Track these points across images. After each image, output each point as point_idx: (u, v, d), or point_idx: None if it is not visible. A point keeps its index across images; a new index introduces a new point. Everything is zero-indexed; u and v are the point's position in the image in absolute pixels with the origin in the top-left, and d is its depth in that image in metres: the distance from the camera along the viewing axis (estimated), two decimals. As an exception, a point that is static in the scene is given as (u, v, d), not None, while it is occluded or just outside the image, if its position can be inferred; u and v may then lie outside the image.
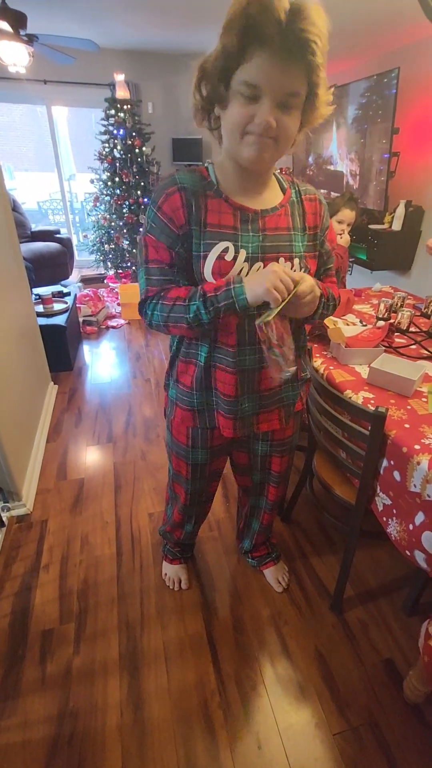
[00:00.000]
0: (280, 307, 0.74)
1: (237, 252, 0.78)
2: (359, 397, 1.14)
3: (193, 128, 5.22)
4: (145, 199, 4.19)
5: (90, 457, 2.05)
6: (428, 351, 1.37)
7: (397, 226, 3.00)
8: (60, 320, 2.73)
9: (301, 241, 0.85)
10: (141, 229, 0.82)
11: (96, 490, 1.84)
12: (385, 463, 1.03)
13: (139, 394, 2.61)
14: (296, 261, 0.84)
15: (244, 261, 0.79)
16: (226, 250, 0.78)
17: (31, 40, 2.71)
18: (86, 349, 3.21)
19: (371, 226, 3.13)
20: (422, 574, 1.24)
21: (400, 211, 2.95)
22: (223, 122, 0.74)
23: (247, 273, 0.80)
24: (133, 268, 4.57)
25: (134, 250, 4.36)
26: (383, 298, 1.63)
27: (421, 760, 1.01)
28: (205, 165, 0.82)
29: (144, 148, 4.08)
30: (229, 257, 0.78)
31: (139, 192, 4.16)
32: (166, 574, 1.44)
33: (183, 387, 0.96)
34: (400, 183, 3.14)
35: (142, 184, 4.15)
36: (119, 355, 3.13)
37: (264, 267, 0.80)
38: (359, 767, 1.00)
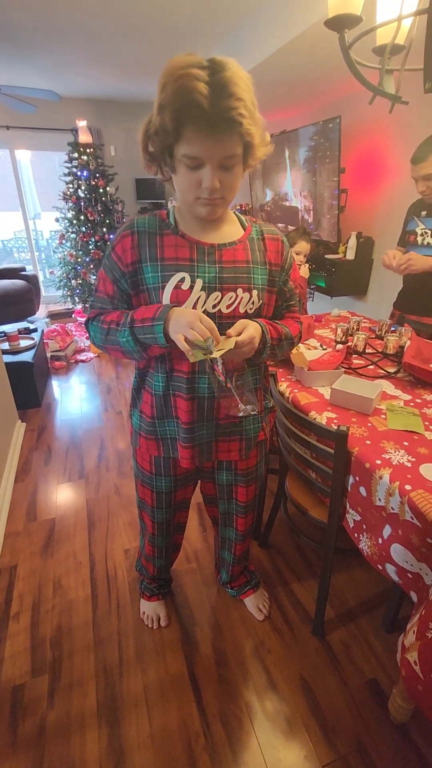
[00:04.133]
0: (212, 350, 0.77)
1: (193, 282, 0.83)
2: (323, 418, 1.18)
3: (155, 169, 5.47)
4: (111, 236, 4.28)
5: (61, 495, 1.98)
6: (384, 371, 1.45)
7: (350, 255, 3.21)
8: (27, 357, 2.69)
9: (260, 275, 0.90)
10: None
11: (68, 530, 1.77)
12: (351, 479, 1.07)
13: (111, 427, 2.58)
14: (255, 293, 0.89)
15: (201, 290, 0.84)
16: (182, 279, 0.83)
17: (-7, 90, 2.81)
18: (55, 385, 3.17)
19: (327, 256, 3.33)
20: (398, 588, 1.26)
21: (353, 241, 3.16)
22: (175, 182, 0.82)
23: (204, 301, 0.84)
24: (102, 302, 4.60)
25: (102, 285, 4.40)
26: (340, 323, 1.72)
27: (411, 782, 1.00)
28: (167, 209, 0.90)
29: (108, 188, 4.21)
30: (185, 286, 0.83)
31: (104, 229, 4.26)
32: (144, 613, 1.39)
33: (145, 416, 1.00)
34: (350, 216, 3.38)
35: (108, 221, 4.26)
36: (89, 388, 3.10)
37: (222, 296, 0.85)
38: (351, 798, 0.97)
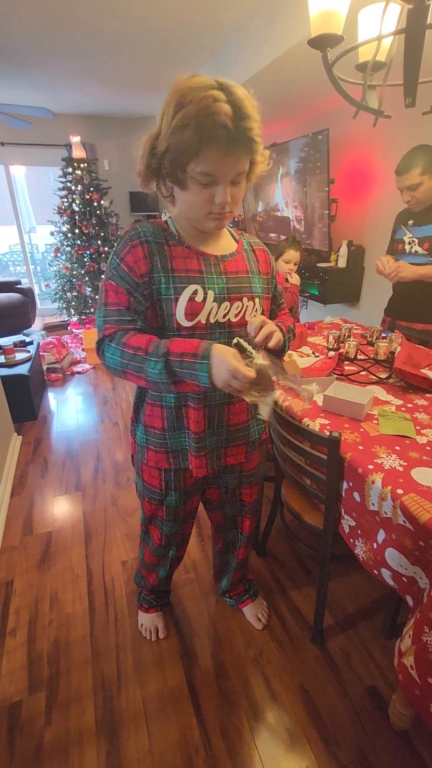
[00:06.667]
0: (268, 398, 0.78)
1: (205, 293, 0.86)
2: (316, 424, 1.20)
3: (149, 182, 5.53)
4: (106, 248, 4.33)
5: (58, 508, 1.98)
6: (376, 376, 1.47)
7: (342, 263, 3.25)
8: (22, 369, 2.70)
9: (258, 283, 0.95)
10: (103, 276, 0.88)
11: (65, 543, 1.76)
12: (345, 485, 1.07)
13: (107, 438, 2.58)
14: (257, 300, 0.93)
15: (213, 301, 0.87)
16: (195, 292, 0.85)
17: (-13, 108, 2.86)
18: (51, 397, 3.17)
19: (319, 265, 3.38)
20: (395, 594, 1.26)
21: (344, 250, 3.21)
22: (182, 198, 0.83)
23: (216, 312, 0.87)
24: (97, 313, 4.63)
25: (97, 296, 4.44)
26: (332, 330, 1.74)
27: (413, 791, 0.99)
28: (165, 219, 0.91)
29: (102, 202, 4.27)
30: (199, 298, 0.85)
31: (99, 242, 4.31)
32: (142, 625, 1.38)
33: (154, 430, 0.97)
34: (341, 225, 3.44)
35: (102, 234, 4.31)
36: (85, 400, 3.10)
37: (230, 306, 0.88)
38: (353, 809, 0.96)
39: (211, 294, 0.86)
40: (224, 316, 0.88)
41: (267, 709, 1.16)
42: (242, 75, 2.52)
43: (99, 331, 0.86)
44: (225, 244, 0.93)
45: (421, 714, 0.87)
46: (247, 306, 0.91)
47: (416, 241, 1.79)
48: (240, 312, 0.90)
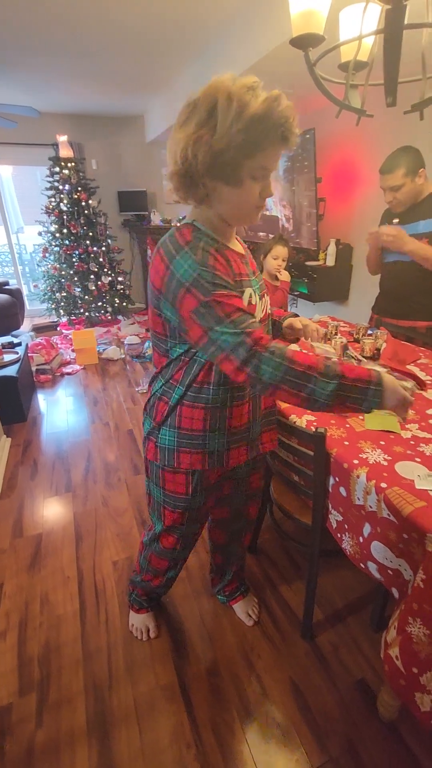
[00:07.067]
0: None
1: (254, 294, 0.89)
2: (303, 421, 1.21)
3: (138, 181, 5.46)
4: (95, 248, 4.31)
5: (48, 509, 1.96)
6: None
7: (330, 261, 3.28)
8: (11, 371, 2.68)
9: (260, 279, 0.99)
10: (189, 297, 0.75)
11: (55, 544, 1.76)
12: (332, 480, 1.09)
13: (98, 439, 2.57)
14: (266, 295, 0.98)
15: (258, 300, 0.90)
16: (250, 294, 0.87)
17: (-29, 107, 2.83)
18: (41, 398, 3.14)
19: (308, 263, 3.40)
20: (382, 587, 1.28)
21: (332, 248, 3.24)
22: (228, 196, 0.79)
23: (262, 310, 0.93)
24: (87, 314, 4.61)
25: (86, 297, 4.42)
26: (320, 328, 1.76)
27: (401, 780, 1.00)
28: (187, 222, 0.85)
29: (90, 201, 4.25)
30: (254, 301, 0.88)
31: (88, 242, 4.28)
32: (132, 625, 1.38)
33: (191, 432, 0.93)
34: (329, 224, 3.47)
35: (91, 234, 4.29)
36: (76, 401, 3.09)
37: (261, 303, 0.92)
38: (343, 800, 0.98)
39: (255, 294, 0.90)
40: (262, 311, 0.93)
41: (258, 704, 1.17)
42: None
43: (242, 344, 0.75)
44: (238, 243, 0.96)
45: (407, 704, 0.88)
46: (267, 300, 0.96)
47: (401, 238, 1.81)
48: (265, 307, 0.95)
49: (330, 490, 1.10)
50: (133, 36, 2.53)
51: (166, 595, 1.50)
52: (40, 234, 4.36)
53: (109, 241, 4.50)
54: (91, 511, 1.95)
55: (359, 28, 1.09)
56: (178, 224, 0.86)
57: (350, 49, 1.23)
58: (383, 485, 0.91)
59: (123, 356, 3.92)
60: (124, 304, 4.72)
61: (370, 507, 0.95)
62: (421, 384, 1.36)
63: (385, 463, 0.99)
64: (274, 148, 0.77)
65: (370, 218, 2.98)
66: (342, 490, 1.04)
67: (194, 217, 0.85)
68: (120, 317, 4.89)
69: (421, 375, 1.47)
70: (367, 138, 2.93)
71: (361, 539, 1.01)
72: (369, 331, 1.74)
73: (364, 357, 1.57)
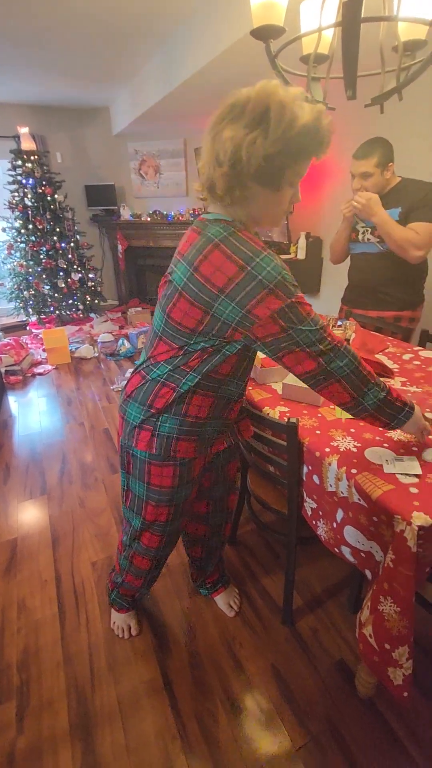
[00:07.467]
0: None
1: None
2: (276, 412, 1.22)
3: (106, 175, 5.33)
4: (62, 244, 4.20)
5: (22, 513, 1.92)
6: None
7: (301, 255, 3.32)
8: (-22, 373, 2.58)
9: None
10: (272, 297, 0.78)
11: (31, 549, 1.72)
12: (305, 469, 1.11)
13: (73, 439, 2.52)
14: None
15: None
16: None
17: None
18: (12, 400, 3.05)
19: (280, 257, 3.43)
20: (357, 570, 1.32)
21: (302, 242, 3.28)
22: (266, 199, 0.83)
23: None
24: (57, 312, 4.50)
25: (56, 294, 4.31)
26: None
27: (377, 752, 1.05)
28: (231, 221, 0.85)
29: (56, 196, 4.13)
30: None
31: (55, 238, 4.16)
32: (114, 623, 1.37)
33: (195, 419, 0.94)
34: (299, 218, 3.50)
35: (58, 230, 4.17)
36: (49, 402, 3.02)
37: None
38: (325, 777, 1.01)
39: None
40: None
41: (241, 692, 1.19)
42: (193, 66, 2.50)
43: (322, 341, 0.82)
44: None
45: (381, 679, 0.92)
46: None
47: (369, 229, 1.85)
48: None
49: (304, 478, 1.13)
50: (95, 26, 2.46)
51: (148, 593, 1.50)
52: (4, 230, 4.21)
53: (78, 236, 4.39)
54: (67, 512, 1.91)
55: (319, 20, 1.10)
56: (208, 218, 0.85)
57: (311, 42, 1.24)
58: (353, 471, 0.94)
59: (96, 354, 3.85)
60: (96, 301, 4.63)
61: (342, 493, 0.97)
62: (388, 372, 1.40)
63: (355, 450, 1.01)
64: (309, 159, 0.82)
65: (338, 211, 3.02)
66: (315, 478, 1.07)
67: (228, 215, 0.86)
68: (92, 315, 4.80)
69: (389, 363, 1.51)
70: (334, 132, 2.97)
71: (334, 525, 1.03)
72: (338, 322, 1.78)
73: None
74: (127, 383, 1.01)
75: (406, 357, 1.57)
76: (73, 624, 1.40)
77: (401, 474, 0.92)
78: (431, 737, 1.07)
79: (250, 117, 0.75)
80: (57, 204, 4.14)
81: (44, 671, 1.26)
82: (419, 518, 0.80)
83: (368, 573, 0.99)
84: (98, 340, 3.95)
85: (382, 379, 1.38)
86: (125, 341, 3.89)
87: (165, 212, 4.74)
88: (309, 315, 0.82)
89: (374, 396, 0.87)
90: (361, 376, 0.86)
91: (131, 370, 1.04)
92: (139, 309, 4.77)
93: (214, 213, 0.87)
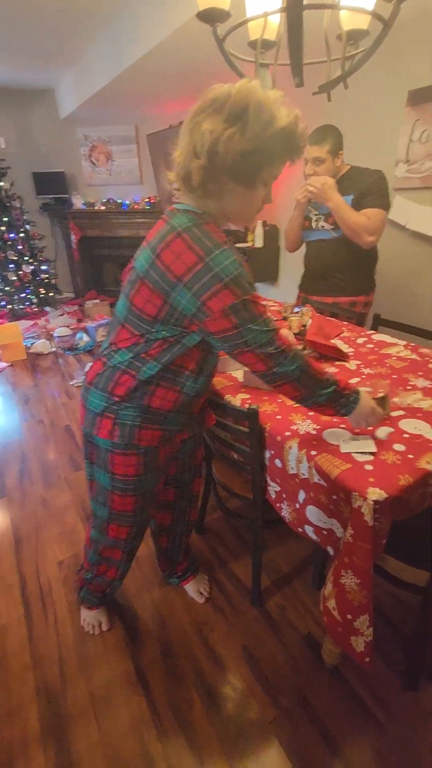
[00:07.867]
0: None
1: None
2: (237, 400, 1.24)
3: (55, 162, 5.09)
4: (11, 235, 3.98)
5: (-19, 518, 1.83)
6: (292, 349, 1.55)
7: (259, 243, 3.34)
8: None
9: None
10: (226, 292, 0.79)
11: (-8, 553, 1.65)
12: (267, 453, 1.13)
13: (32, 438, 2.43)
14: None
15: None
16: None
17: None
18: (-37, 401, 2.89)
19: (238, 245, 3.44)
20: (320, 547, 1.37)
21: (259, 230, 3.30)
22: (239, 196, 0.84)
23: None
24: (9, 306, 4.28)
25: (7, 288, 4.10)
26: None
27: (346, 718, 1.10)
28: (200, 213, 0.85)
29: (2, 183, 3.90)
30: None
31: (3, 228, 3.94)
32: (84, 620, 1.35)
33: (159, 410, 0.94)
34: (255, 206, 3.51)
35: (5, 219, 3.95)
36: (4, 400, 2.88)
37: None
38: (298, 746, 1.05)
39: None
40: None
41: (214, 676, 1.21)
42: (141, 49, 2.42)
43: (271, 344, 0.85)
44: None
45: (345, 648, 0.97)
46: None
47: (322, 217, 1.89)
48: None
49: (267, 463, 1.15)
50: (35, 3, 2.31)
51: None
52: None
53: (28, 226, 4.18)
54: (30, 513, 1.85)
55: (263, 5, 1.10)
56: (177, 207, 0.85)
57: (258, 27, 1.24)
58: (313, 453, 0.97)
59: (54, 349, 3.72)
60: (51, 294, 4.45)
61: (303, 474, 1.00)
62: (343, 356, 1.45)
63: (314, 432, 1.05)
64: (287, 160, 0.83)
65: (292, 198, 3.07)
66: (277, 461, 1.09)
67: (198, 207, 0.85)
68: (47, 308, 4.61)
69: (344, 347, 1.57)
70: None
71: (297, 505, 1.07)
72: (296, 309, 1.81)
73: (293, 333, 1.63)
74: (88, 370, 0.98)
75: (360, 341, 1.63)
76: (41, 625, 1.37)
77: (357, 453, 0.96)
78: (393, 700, 1.14)
79: (229, 112, 0.76)
80: (3, 192, 3.92)
81: (11, 677, 1.22)
82: (374, 493, 0.84)
83: (330, 550, 1.03)
84: (55, 335, 3.80)
85: (338, 362, 1.45)
86: (84, 335, 3.78)
87: (119, 201, 4.60)
88: (261, 315, 0.84)
89: (324, 392, 0.92)
90: (310, 377, 0.90)
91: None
92: (97, 301, 4.63)
93: (184, 204, 0.87)
